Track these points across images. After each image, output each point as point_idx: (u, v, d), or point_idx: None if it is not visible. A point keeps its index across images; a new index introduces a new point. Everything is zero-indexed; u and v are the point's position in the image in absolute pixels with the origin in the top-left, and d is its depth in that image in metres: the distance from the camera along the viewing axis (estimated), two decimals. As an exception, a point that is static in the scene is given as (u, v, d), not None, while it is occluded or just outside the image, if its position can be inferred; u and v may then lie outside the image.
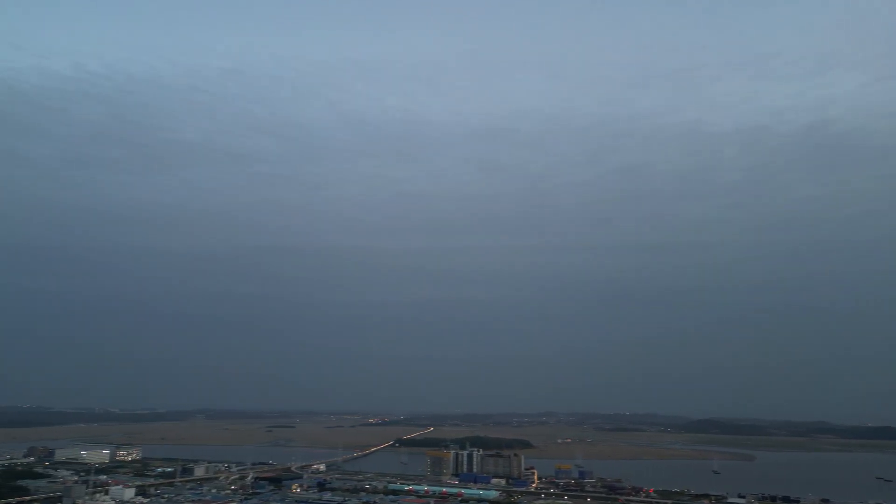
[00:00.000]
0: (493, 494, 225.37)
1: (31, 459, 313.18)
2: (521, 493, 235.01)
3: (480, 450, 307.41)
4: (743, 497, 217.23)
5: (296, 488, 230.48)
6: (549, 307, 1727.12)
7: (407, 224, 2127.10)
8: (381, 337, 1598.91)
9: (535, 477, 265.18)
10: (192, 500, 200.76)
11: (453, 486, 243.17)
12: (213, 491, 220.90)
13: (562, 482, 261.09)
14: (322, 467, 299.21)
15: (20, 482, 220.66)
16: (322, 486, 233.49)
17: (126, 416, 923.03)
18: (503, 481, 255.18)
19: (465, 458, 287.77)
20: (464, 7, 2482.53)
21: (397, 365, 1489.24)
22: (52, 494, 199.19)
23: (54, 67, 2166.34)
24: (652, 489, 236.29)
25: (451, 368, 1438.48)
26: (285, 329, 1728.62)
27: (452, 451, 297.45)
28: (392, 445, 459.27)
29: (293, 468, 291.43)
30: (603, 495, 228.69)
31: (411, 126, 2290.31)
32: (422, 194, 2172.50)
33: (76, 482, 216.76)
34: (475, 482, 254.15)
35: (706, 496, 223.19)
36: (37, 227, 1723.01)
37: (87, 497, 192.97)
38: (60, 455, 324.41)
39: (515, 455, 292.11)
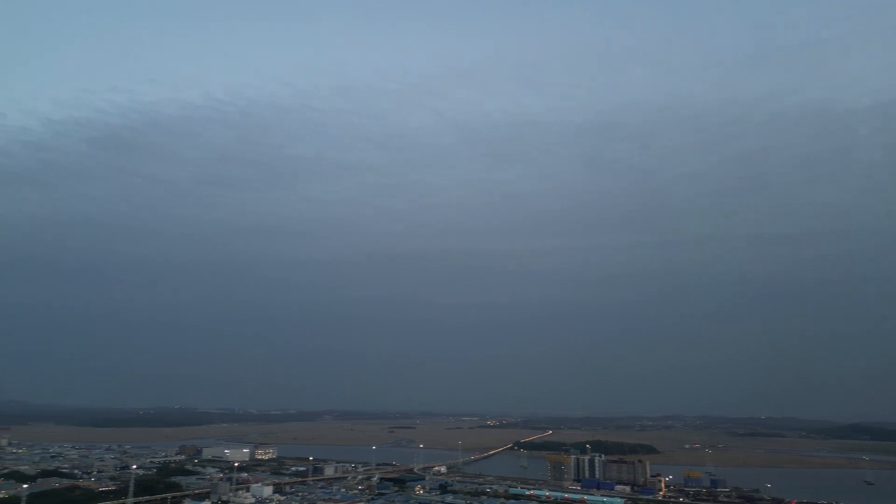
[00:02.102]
0: (618, 502, 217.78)
1: (182, 457, 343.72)
2: (648, 501, 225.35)
3: (602, 455, 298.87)
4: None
5: (419, 490, 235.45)
6: (667, 306, 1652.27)
7: (514, 226, 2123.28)
8: (494, 339, 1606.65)
9: (663, 485, 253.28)
10: (324, 499, 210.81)
11: (575, 491, 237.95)
12: (343, 490, 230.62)
13: (692, 491, 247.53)
14: (443, 469, 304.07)
15: (174, 479, 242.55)
16: (444, 489, 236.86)
17: (262, 417, 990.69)
18: (627, 488, 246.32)
19: (587, 464, 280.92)
20: (560, 5, 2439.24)
21: (512, 366, 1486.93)
22: (201, 490, 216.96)
23: (186, 97, 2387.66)
24: (794, 501, 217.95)
25: (568, 370, 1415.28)
26: (400, 332, 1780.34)
27: (573, 456, 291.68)
28: (511, 448, 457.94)
29: (415, 469, 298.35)
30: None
31: (514, 128, 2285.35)
32: (527, 195, 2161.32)
33: (221, 479, 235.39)
34: (598, 488, 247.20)
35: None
36: (176, 242, 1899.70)
37: (231, 493, 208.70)
38: (207, 453, 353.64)
39: (640, 461, 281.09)
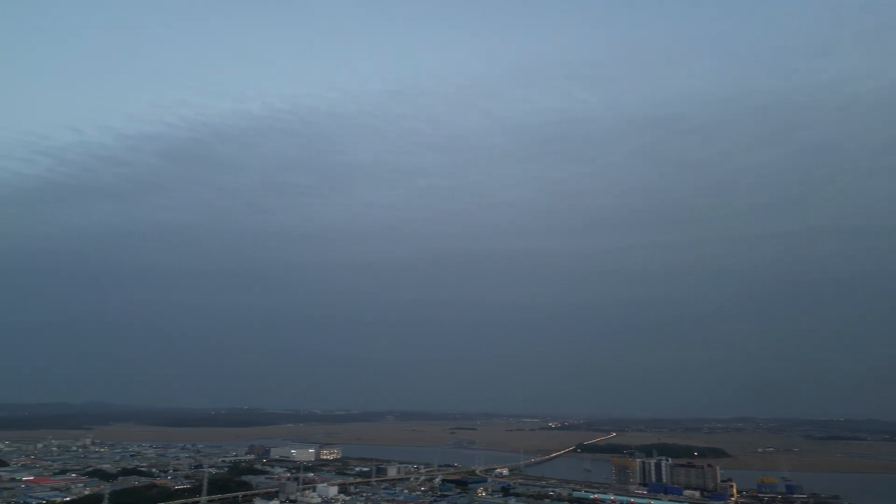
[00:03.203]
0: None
1: (252, 457, 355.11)
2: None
3: (669, 458, 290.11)
4: None
5: (481, 492, 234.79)
6: (734, 303, 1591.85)
7: (571, 224, 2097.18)
8: (555, 339, 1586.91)
9: (734, 490, 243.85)
10: (387, 500, 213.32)
11: (641, 496, 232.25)
12: (405, 492, 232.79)
13: (766, 497, 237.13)
14: (505, 471, 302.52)
15: (244, 478, 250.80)
16: (506, 491, 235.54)
17: (326, 417, 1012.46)
18: (697, 493, 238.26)
19: (653, 467, 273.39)
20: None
21: (574, 367, 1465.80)
22: (269, 490, 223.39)
23: (248, 109, 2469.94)
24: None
25: (632, 371, 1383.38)
26: (459, 333, 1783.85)
27: (639, 459, 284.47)
28: (574, 451, 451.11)
29: (477, 471, 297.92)
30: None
31: (569, 125, 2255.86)
32: (584, 193, 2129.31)
33: (288, 479, 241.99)
34: (666, 493, 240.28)
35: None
36: (241, 248, 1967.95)
37: (298, 493, 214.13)
38: (275, 453, 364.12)
39: (710, 465, 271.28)
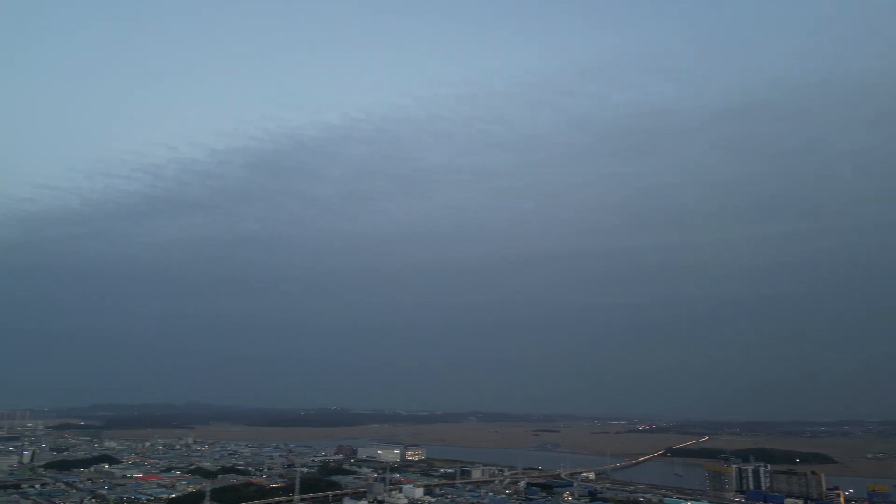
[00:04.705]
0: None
1: (340, 457, 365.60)
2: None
3: (768, 465, 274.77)
4: None
5: (567, 496, 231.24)
6: (835, 300, 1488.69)
7: (651, 220, 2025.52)
8: (639, 339, 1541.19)
9: (842, 499, 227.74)
10: (472, 503, 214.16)
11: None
12: (490, 494, 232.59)
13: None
14: (591, 475, 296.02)
15: (333, 477, 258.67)
16: (593, 496, 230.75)
17: (410, 418, 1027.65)
18: (799, 502, 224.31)
19: (751, 474, 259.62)
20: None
21: (663, 368, 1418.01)
22: (357, 490, 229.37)
23: (326, 119, 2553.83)
24: None
25: (726, 371, 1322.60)
26: (539, 334, 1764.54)
27: (735, 465, 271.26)
28: (663, 455, 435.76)
29: (562, 475, 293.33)
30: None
31: (646, 118, 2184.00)
32: (664, 187, 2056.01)
33: (376, 479, 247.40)
34: (765, 501, 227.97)
35: None
36: (323, 253, 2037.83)
37: (385, 494, 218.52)
38: (362, 453, 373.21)
39: (813, 472, 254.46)
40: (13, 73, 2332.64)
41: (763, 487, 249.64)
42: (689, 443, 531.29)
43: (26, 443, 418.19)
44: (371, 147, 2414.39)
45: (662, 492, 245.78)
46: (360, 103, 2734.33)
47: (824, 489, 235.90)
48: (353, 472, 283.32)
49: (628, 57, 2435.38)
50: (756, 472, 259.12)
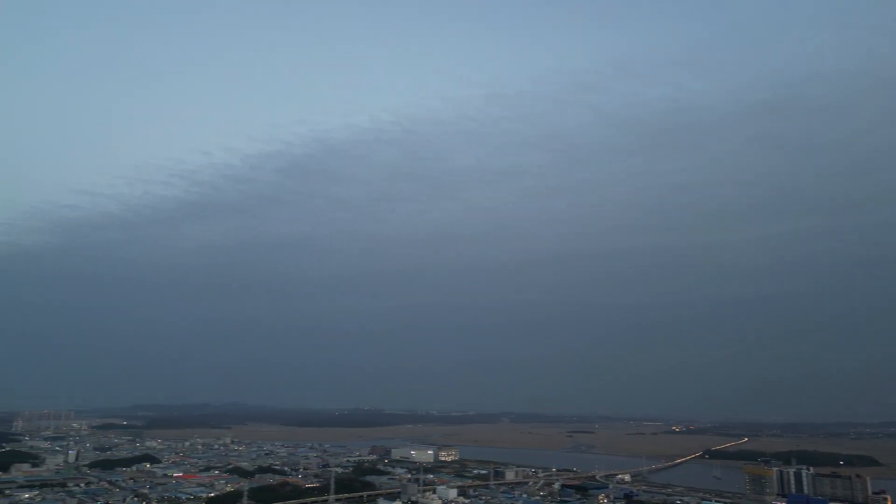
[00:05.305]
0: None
1: (374, 457, 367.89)
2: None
3: (810, 467, 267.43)
4: None
5: (602, 498, 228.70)
6: (878, 298, 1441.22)
7: (686, 218, 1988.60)
8: (676, 339, 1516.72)
9: (889, 503, 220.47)
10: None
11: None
12: (524, 496, 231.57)
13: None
14: (627, 477, 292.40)
15: (367, 478, 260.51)
16: (629, 498, 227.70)
17: (442, 418, 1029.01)
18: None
19: (792, 477, 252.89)
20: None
21: (699, 367, 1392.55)
22: (391, 490, 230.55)
23: (355, 122, 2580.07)
24: None
25: (765, 370, 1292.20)
26: (572, 335, 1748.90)
27: (776, 468, 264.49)
28: (701, 457, 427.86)
29: (597, 476, 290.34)
30: None
31: (678, 115, 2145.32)
32: (698, 185, 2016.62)
33: (409, 480, 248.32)
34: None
35: None
36: (354, 256, 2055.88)
37: (419, 494, 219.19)
38: (395, 454, 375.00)
39: (858, 475, 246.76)
40: (61, 86, 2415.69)
41: (805, 491, 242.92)
42: (728, 444, 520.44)
43: (71, 442, 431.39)
44: (400, 149, 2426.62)
45: (700, 495, 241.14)
46: (388, 106, 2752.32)
47: (870, 493, 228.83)
48: (387, 473, 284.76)
49: (657, 53, 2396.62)
50: (798, 475, 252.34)
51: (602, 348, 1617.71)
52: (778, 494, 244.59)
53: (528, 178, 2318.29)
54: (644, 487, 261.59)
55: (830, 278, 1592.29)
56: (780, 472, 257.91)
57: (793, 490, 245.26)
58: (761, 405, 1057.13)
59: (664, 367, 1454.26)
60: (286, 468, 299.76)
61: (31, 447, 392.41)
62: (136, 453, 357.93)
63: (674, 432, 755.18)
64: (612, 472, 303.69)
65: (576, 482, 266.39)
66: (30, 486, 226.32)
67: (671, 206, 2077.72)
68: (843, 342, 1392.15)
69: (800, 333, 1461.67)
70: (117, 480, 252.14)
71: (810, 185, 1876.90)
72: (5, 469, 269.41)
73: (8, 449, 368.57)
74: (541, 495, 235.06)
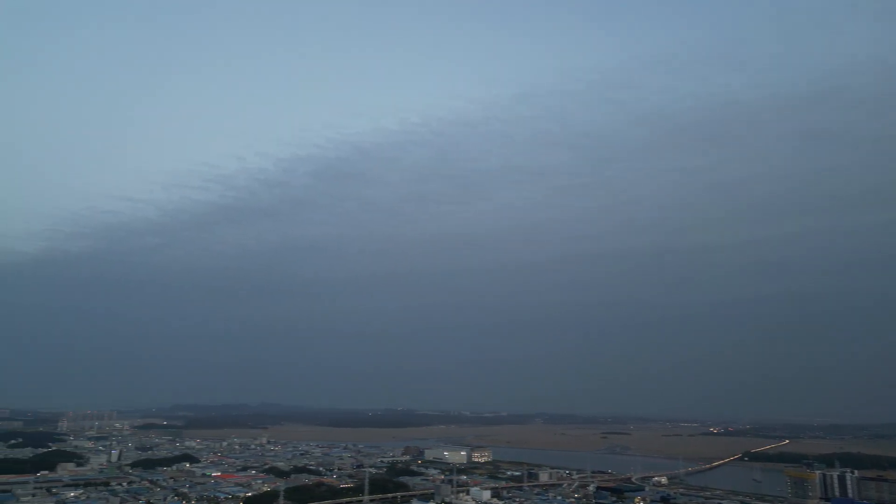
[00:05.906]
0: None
1: (407, 458, 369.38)
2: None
3: (855, 471, 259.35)
4: None
5: (638, 501, 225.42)
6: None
7: (722, 215, 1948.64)
8: (716, 338, 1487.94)
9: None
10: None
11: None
12: (559, 498, 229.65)
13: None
14: (664, 480, 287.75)
15: (401, 478, 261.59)
16: (666, 501, 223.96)
17: (475, 419, 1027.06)
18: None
19: (836, 480, 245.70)
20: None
21: (738, 368, 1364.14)
22: (425, 491, 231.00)
23: (384, 125, 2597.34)
24: None
25: (804, 371, 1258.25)
26: (607, 333, 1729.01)
27: (818, 471, 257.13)
28: (739, 459, 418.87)
29: (633, 479, 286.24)
30: None
31: (713, 110, 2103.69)
32: (734, 181, 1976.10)
33: (443, 481, 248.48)
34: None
35: None
36: (385, 256, 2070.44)
37: (452, 496, 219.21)
38: (428, 455, 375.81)
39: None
40: (102, 96, 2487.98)
41: (850, 494, 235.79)
42: (768, 447, 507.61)
43: (114, 442, 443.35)
44: (429, 150, 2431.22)
45: (740, 498, 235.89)
46: (417, 107, 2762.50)
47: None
48: (421, 474, 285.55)
49: (693, 48, 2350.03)
50: (842, 479, 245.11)
51: (640, 348, 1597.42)
52: (821, 498, 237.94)
53: (557, 177, 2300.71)
54: (681, 490, 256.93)
55: (884, 274, 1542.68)
56: (824, 475, 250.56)
57: (836, 494, 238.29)
58: (803, 406, 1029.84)
59: (702, 366, 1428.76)
60: (321, 468, 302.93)
61: (76, 447, 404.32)
62: (176, 453, 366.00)
63: (711, 434, 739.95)
64: (649, 475, 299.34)
65: (611, 484, 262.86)
66: (75, 486, 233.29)
67: (707, 203, 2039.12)
68: (886, 341, 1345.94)
69: (848, 332, 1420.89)
70: (158, 480, 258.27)
71: (854, 179, 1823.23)
72: (51, 468, 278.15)
73: (54, 448, 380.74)
74: (575, 497, 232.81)
